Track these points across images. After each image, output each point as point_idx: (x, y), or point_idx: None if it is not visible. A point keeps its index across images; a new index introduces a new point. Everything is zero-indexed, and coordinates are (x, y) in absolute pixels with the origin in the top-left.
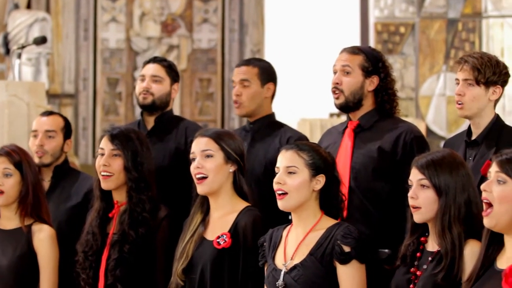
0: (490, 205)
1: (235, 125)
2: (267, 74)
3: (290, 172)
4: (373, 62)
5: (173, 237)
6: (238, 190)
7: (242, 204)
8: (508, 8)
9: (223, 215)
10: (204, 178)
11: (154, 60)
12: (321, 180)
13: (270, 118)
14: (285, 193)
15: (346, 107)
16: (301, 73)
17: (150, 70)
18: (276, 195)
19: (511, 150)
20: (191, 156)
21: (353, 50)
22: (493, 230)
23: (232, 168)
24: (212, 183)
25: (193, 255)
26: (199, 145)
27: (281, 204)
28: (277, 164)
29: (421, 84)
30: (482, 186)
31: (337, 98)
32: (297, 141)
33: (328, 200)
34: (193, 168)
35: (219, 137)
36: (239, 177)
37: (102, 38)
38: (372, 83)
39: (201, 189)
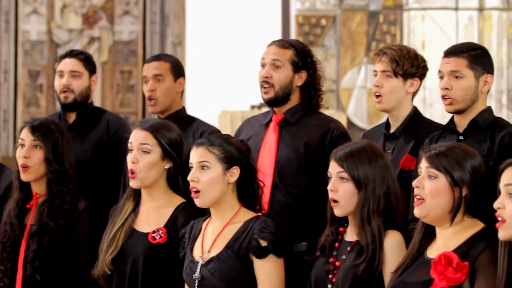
0: (421, 199)
1: (156, 117)
2: (179, 69)
3: (202, 168)
4: (302, 57)
5: (94, 229)
6: (173, 184)
7: (178, 199)
8: (429, 1)
9: (156, 207)
10: (136, 173)
11: (71, 54)
12: (235, 172)
13: (181, 112)
14: (198, 191)
15: (275, 102)
16: (222, 65)
17: (68, 66)
18: (192, 193)
19: (439, 145)
20: (128, 146)
21: (283, 44)
22: (423, 220)
23: (167, 165)
24: (144, 179)
25: (123, 246)
26: (138, 137)
27: (197, 202)
28: (190, 160)
29: (342, 76)
30: (414, 183)
31: (266, 93)
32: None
33: (245, 190)
34: (128, 160)
35: (157, 131)
36: (174, 173)
37: (23, 30)
38: (300, 78)
39: (132, 183)
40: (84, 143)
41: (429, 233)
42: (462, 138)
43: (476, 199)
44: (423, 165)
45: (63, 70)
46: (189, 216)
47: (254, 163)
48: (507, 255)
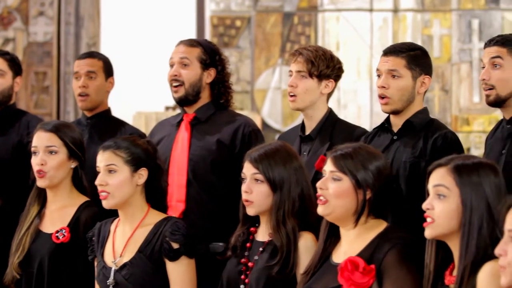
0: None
1: (71, 119)
2: (110, 69)
3: (110, 171)
4: (210, 55)
5: (11, 230)
6: (77, 184)
7: (81, 198)
8: (344, 2)
9: (61, 207)
10: (45, 173)
11: None
12: (143, 174)
13: (107, 113)
14: (108, 193)
15: (185, 100)
16: (137, 66)
17: None
18: (100, 195)
19: (345, 146)
20: (32, 149)
21: (191, 43)
22: (326, 218)
23: (73, 164)
24: (53, 178)
25: (29, 248)
26: (42, 139)
27: (105, 203)
28: (97, 164)
29: (257, 77)
30: (318, 184)
31: (176, 91)
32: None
33: (153, 190)
34: (35, 163)
35: (61, 131)
36: (79, 172)
37: None
38: (209, 75)
39: (41, 182)
40: (4, 143)
41: (334, 234)
42: (396, 137)
43: (380, 201)
44: (328, 167)
45: None
46: (92, 214)
47: (161, 163)
48: (434, 253)
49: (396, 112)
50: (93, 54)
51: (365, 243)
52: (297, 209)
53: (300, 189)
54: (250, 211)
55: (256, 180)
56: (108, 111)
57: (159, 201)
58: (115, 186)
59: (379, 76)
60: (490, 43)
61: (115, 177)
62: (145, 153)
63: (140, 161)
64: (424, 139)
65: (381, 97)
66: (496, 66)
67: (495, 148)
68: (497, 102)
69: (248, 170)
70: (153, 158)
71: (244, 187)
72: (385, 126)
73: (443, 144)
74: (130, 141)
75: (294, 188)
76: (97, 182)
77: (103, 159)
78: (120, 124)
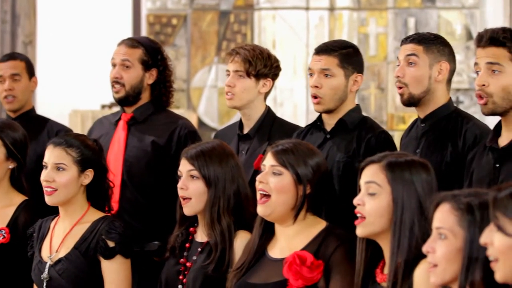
0: (266, 195)
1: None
2: (31, 68)
3: (58, 169)
4: (152, 55)
5: None
6: (16, 184)
7: (20, 198)
8: (280, 0)
9: (0, 208)
10: None
11: None
12: (89, 175)
13: (32, 112)
14: (54, 190)
15: (125, 101)
16: (73, 64)
17: None
18: (44, 191)
19: (286, 141)
20: None
21: (132, 43)
22: (266, 219)
23: (11, 165)
24: None
25: None
26: None
27: (49, 200)
28: (45, 160)
29: (193, 75)
30: (258, 178)
31: (117, 92)
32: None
33: (95, 191)
34: None
35: (2, 131)
36: (18, 172)
37: None
38: (151, 76)
39: None
40: None
41: (269, 230)
42: (329, 136)
43: (318, 197)
44: (268, 160)
45: None
46: (31, 213)
47: (105, 163)
48: (364, 250)
49: (328, 111)
50: (15, 56)
51: (307, 239)
52: (233, 206)
53: (236, 187)
54: (187, 210)
55: (192, 176)
56: (32, 110)
57: (100, 201)
58: (62, 184)
59: (311, 75)
60: (407, 40)
61: (63, 175)
62: (94, 154)
63: (88, 162)
64: (358, 139)
65: (314, 96)
66: (411, 64)
67: (409, 147)
68: (412, 102)
69: (184, 167)
70: (99, 158)
71: (179, 184)
72: (318, 124)
73: (377, 144)
74: (81, 141)
75: (229, 185)
76: (43, 178)
77: (52, 155)
78: (44, 122)
